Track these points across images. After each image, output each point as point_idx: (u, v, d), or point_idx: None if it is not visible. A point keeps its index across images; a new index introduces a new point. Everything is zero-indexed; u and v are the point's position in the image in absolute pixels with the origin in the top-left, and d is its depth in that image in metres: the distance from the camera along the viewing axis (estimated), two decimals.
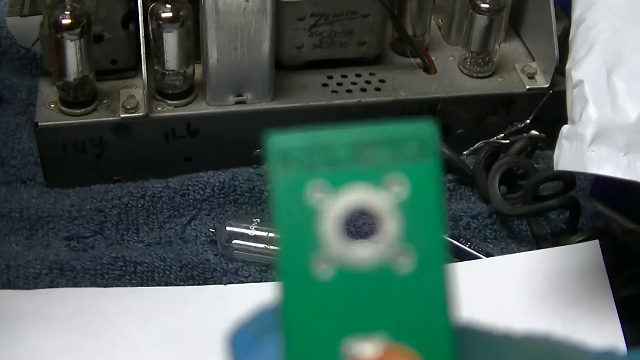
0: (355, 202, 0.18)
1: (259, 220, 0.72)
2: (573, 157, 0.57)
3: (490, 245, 0.75)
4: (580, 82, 0.58)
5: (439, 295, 0.18)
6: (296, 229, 0.18)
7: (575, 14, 0.63)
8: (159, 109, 0.77)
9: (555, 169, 0.58)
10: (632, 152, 0.56)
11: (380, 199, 0.19)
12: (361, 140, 0.19)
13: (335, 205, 0.19)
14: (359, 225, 0.67)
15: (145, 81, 0.74)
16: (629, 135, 0.56)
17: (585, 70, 0.58)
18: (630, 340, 0.64)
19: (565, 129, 0.58)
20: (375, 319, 0.18)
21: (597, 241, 0.69)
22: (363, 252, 0.18)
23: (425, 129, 0.20)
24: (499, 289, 0.68)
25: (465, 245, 0.73)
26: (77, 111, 0.76)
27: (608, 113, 0.57)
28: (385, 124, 0.19)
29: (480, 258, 0.72)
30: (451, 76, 0.82)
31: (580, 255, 0.69)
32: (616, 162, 0.56)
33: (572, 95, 0.59)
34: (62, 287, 0.69)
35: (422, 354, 0.18)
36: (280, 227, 0.19)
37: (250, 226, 0.72)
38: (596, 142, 0.56)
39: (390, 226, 0.19)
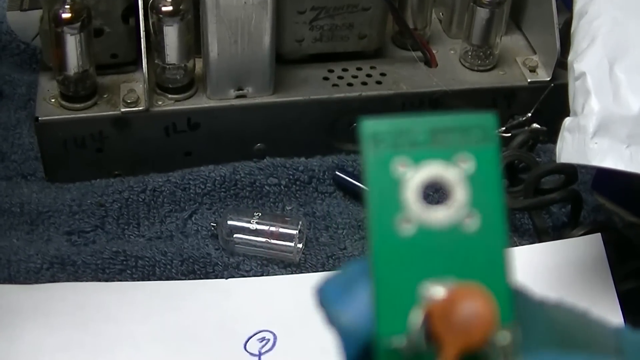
0: (431, 174, 0.23)
1: (260, 214, 0.72)
2: (575, 150, 0.57)
3: None
4: (583, 74, 0.58)
5: (499, 249, 0.23)
6: (384, 196, 0.23)
7: (577, 6, 0.63)
8: (160, 103, 0.76)
9: (557, 161, 0.58)
10: (635, 145, 0.56)
11: (451, 172, 0.23)
12: (436, 126, 0.23)
13: (415, 177, 0.23)
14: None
15: (146, 75, 0.73)
16: (631, 127, 0.56)
17: (587, 63, 0.58)
18: None
19: (567, 121, 0.58)
20: (447, 267, 0.23)
21: (599, 234, 0.69)
22: (438, 215, 0.23)
23: (488, 119, 0.23)
24: None
25: None
26: (78, 105, 0.75)
27: (610, 105, 0.57)
28: (455, 113, 0.23)
29: None
30: (452, 69, 0.82)
31: (582, 249, 0.68)
32: (618, 154, 0.56)
33: (574, 88, 0.59)
34: (63, 281, 0.69)
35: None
36: (371, 194, 0.23)
37: (252, 220, 0.72)
38: (598, 134, 0.56)
39: (459, 194, 0.23)
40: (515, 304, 0.23)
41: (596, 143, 0.56)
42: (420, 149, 0.23)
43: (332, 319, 0.25)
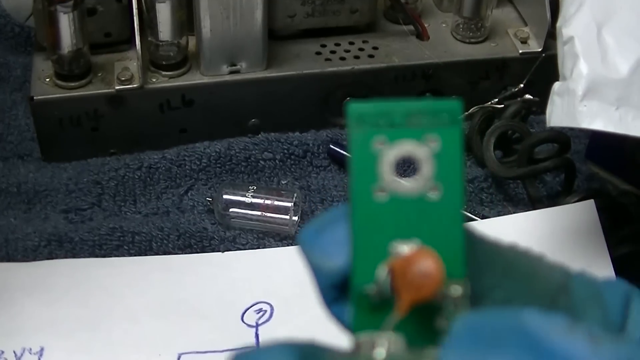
0: (404, 151, 0.27)
1: (255, 188, 0.72)
2: (565, 113, 0.57)
3: (486, 208, 0.75)
4: (571, 38, 0.58)
5: (456, 215, 0.27)
6: (363, 168, 0.27)
7: None
8: (154, 80, 0.77)
9: (547, 125, 0.59)
10: (624, 107, 0.56)
11: (421, 150, 0.27)
12: (411, 110, 0.27)
13: (390, 153, 0.27)
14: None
15: (139, 52, 0.74)
16: (620, 89, 0.57)
17: (575, 27, 0.59)
18: None
19: (556, 85, 0.59)
20: (413, 229, 0.27)
21: (592, 200, 0.69)
22: (407, 186, 0.27)
23: (455, 104, 0.28)
24: None
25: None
26: (72, 84, 0.76)
27: (599, 68, 0.57)
28: (427, 99, 0.27)
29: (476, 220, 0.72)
30: (444, 42, 0.82)
31: (576, 215, 0.69)
32: (608, 116, 0.56)
33: (562, 52, 0.59)
34: (61, 258, 0.69)
35: (442, 255, 0.26)
36: (353, 166, 0.27)
37: (247, 194, 0.72)
38: (587, 97, 0.57)
39: (426, 169, 0.27)
40: (469, 255, 0.27)
41: (585, 106, 0.56)
42: (396, 129, 0.27)
43: (307, 257, 0.28)
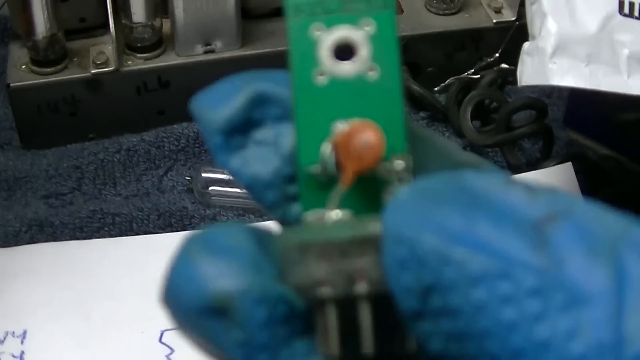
0: (341, 36, 0.27)
1: None
2: (535, 71, 0.57)
3: None
4: None
5: (396, 93, 0.27)
6: (303, 54, 0.27)
7: None
8: (129, 62, 0.77)
9: (519, 84, 0.59)
10: (594, 63, 0.57)
11: (357, 34, 0.27)
12: None
13: (328, 38, 0.27)
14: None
15: (114, 35, 0.74)
16: (589, 46, 0.57)
17: None
18: None
19: (526, 45, 0.59)
20: (354, 109, 0.27)
21: (569, 163, 0.69)
22: (346, 68, 0.27)
23: None
24: None
25: None
26: (48, 70, 0.76)
27: (567, 25, 0.57)
28: None
29: None
30: (418, 15, 0.82)
31: (554, 178, 0.69)
32: (578, 72, 0.56)
33: (531, 12, 0.59)
34: (42, 242, 0.69)
35: (383, 127, 0.27)
36: (292, 54, 0.27)
37: (226, 171, 0.72)
38: (557, 54, 0.57)
39: (363, 51, 0.27)
40: (408, 136, 0.27)
41: (555, 63, 0.57)
42: (332, 15, 0.28)
43: (196, 113, 0.28)
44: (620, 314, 0.20)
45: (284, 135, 0.28)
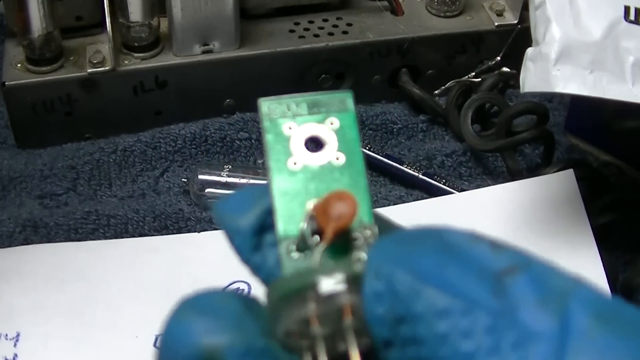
0: (311, 132, 0.32)
1: (230, 167, 0.72)
2: (539, 78, 0.57)
3: (465, 182, 0.75)
4: (542, 2, 0.58)
5: (360, 175, 0.32)
6: (278, 147, 0.32)
7: None
8: (126, 62, 0.76)
9: (522, 91, 0.58)
10: (598, 70, 0.56)
11: (324, 130, 0.32)
12: (312, 101, 0.33)
13: (299, 134, 0.32)
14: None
15: (110, 34, 0.73)
16: (593, 53, 0.56)
17: None
18: (608, 268, 0.63)
19: (529, 51, 0.58)
20: (325, 190, 0.32)
21: (571, 170, 0.68)
22: (316, 157, 0.32)
23: (348, 95, 0.33)
24: (474, 222, 0.67)
25: (440, 182, 0.73)
26: (44, 69, 0.75)
27: (571, 32, 0.56)
28: (325, 93, 0.33)
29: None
30: (419, 17, 0.82)
31: (555, 185, 0.68)
32: (582, 80, 0.56)
33: (535, 17, 0.58)
34: (36, 244, 0.69)
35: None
36: (269, 148, 0.32)
37: (222, 173, 0.71)
38: (561, 61, 0.56)
39: (330, 143, 0.32)
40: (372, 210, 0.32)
41: (559, 70, 0.56)
42: (302, 116, 0.32)
43: (220, 221, 0.33)
44: (562, 355, 0.24)
45: None
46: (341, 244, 0.31)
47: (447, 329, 0.25)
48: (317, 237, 0.31)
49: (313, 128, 0.32)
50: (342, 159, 0.32)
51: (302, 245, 0.31)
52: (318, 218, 0.31)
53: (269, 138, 0.32)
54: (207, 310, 0.29)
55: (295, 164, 0.32)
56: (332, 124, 0.32)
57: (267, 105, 0.32)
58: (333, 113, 0.33)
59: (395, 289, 0.27)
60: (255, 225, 0.32)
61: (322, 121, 0.32)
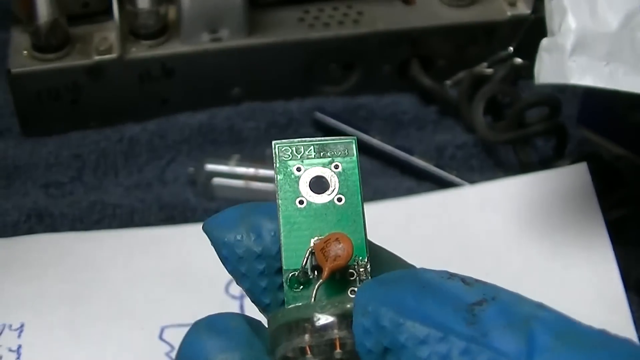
0: (316, 173, 0.35)
1: (238, 156, 0.71)
2: (553, 69, 0.55)
3: (476, 174, 0.74)
4: None
5: (358, 215, 0.35)
6: (288, 186, 0.35)
7: None
8: (133, 50, 0.75)
9: (536, 82, 0.57)
10: (614, 62, 0.55)
11: (328, 172, 0.36)
12: (319, 144, 0.36)
13: (306, 175, 0.35)
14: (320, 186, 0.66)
15: (117, 20, 0.72)
16: (610, 44, 0.55)
17: None
18: (621, 263, 0.62)
19: (544, 41, 0.57)
20: (326, 227, 0.35)
21: (584, 163, 0.67)
22: (320, 197, 0.35)
23: (352, 140, 0.36)
24: (486, 215, 0.66)
25: (451, 174, 0.72)
26: (50, 56, 0.74)
27: (588, 22, 0.55)
28: (332, 137, 0.36)
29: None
30: (430, 6, 0.80)
31: (568, 178, 0.67)
32: (598, 71, 0.55)
33: (550, 7, 0.57)
34: (41, 233, 0.68)
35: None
36: (279, 185, 0.35)
37: (230, 162, 0.70)
38: (577, 52, 0.55)
39: (333, 185, 0.36)
40: (367, 247, 0.35)
41: (574, 61, 0.55)
42: (310, 159, 0.36)
43: (215, 238, 0.37)
44: None
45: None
46: (338, 279, 0.34)
47: (428, 354, 0.29)
48: (316, 272, 0.34)
49: (319, 171, 0.36)
50: (343, 200, 0.36)
51: (303, 278, 0.35)
52: (317, 256, 0.34)
53: (279, 178, 0.36)
54: (220, 330, 0.33)
55: (301, 203, 0.35)
56: (336, 167, 0.36)
57: (278, 147, 0.36)
58: (338, 157, 0.36)
59: (380, 324, 0.30)
60: (238, 241, 0.36)
61: (327, 165, 0.36)
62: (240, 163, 0.70)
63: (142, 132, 0.76)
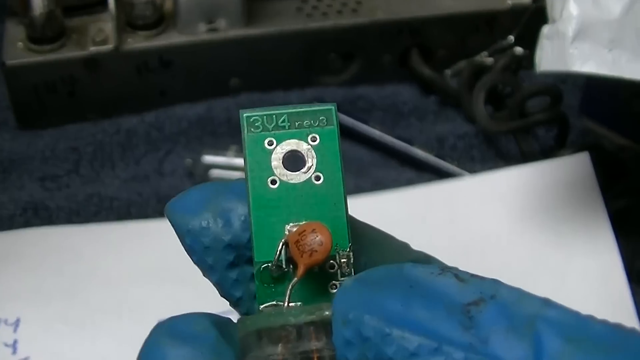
0: (290, 148, 0.32)
1: (237, 147, 0.70)
2: (555, 57, 0.55)
3: (477, 165, 0.73)
4: None
5: (339, 196, 0.32)
6: (258, 163, 0.31)
7: None
8: (130, 41, 0.74)
9: (537, 70, 0.56)
10: (617, 49, 0.54)
11: (304, 146, 0.32)
12: (294, 114, 0.32)
13: (279, 150, 0.32)
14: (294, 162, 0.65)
15: (114, 12, 0.72)
16: (613, 31, 0.54)
17: None
18: (624, 254, 0.62)
19: (545, 28, 0.56)
20: (303, 211, 0.32)
21: (586, 152, 0.66)
22: (296, 176, 0.32)
23: (330, 108, 0.32)
24: (487, 205, 0.66)
25: (452, 165, 0.71)
26: (45, 47, 0.73)
27: (590, 9, 0.54)
28: (308, 105, 0.32)
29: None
30: None
31: (570, 168, 0.66)
32: (601, 58, 0.54)
33: None
34: (37, 227, 0.67)
35: (329, 227, 0.30)
36: (248, 162, 0.31)
37: (228, 154, 0.70)
38: (578, 39, 0.54)
39: (310, 161, 0.32)
40: (350, 235, 0.32)
41: (576, 48, 0.54)
42: (282, 131, 0.32)
43: (178, 225, 0.34)
44: None
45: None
46: (316, 272, 0.31)
47: None
48: (292, 266, 0.31)
49: (293, 144, 0.32)
50: (322, 179, 0.32)
51: (277, 272, 0.31)
52: (292, 250, 0.30)
53: (247, 154, 0.32)
54: (185, 337, 0.29)
55: (273, 183, 0.31)
56: (313, 140, 0.32)
57: (246, 118, 0.32)
58: (315, 128, 0.32)
59: (364, 335, 0.27)
60: (203, 227, 0.33)
61: (302, 137, 0.32)
62: (238, 154, 0.70)
63: (140, 124, 0.75)
